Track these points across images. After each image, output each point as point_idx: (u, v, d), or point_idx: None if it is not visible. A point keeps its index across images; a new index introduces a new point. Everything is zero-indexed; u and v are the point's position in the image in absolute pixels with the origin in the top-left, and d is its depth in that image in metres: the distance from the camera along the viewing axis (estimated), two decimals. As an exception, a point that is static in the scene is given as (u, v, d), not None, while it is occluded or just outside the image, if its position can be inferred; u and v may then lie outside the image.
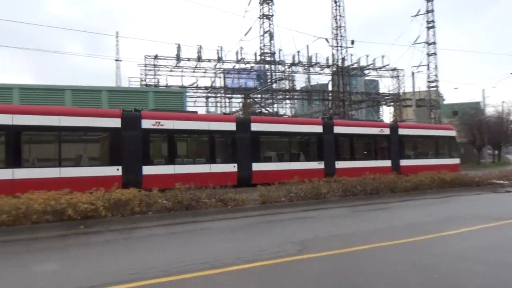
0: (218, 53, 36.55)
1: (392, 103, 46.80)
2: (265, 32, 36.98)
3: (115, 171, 13.62)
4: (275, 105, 40.41)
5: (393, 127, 21.70)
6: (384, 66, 42.32)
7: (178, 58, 35.88)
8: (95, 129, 13.91)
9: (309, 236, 7.58)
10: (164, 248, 7.05)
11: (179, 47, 35.65)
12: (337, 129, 19.24)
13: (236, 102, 42.96)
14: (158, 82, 36.76)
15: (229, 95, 41.45)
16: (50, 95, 20.25)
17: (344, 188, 13.13)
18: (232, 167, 16.06)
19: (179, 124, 15.28)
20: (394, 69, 44.11)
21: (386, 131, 21.09)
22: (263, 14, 36.93)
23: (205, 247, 6.96)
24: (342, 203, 12.37)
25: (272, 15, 37.00)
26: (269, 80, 38.16)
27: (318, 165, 18.21)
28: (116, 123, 13.98)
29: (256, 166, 16.59)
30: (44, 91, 20.71)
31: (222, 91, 40.44)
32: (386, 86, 67.66)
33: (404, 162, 21.03)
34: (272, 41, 37.18)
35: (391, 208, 12.14)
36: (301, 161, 18.21)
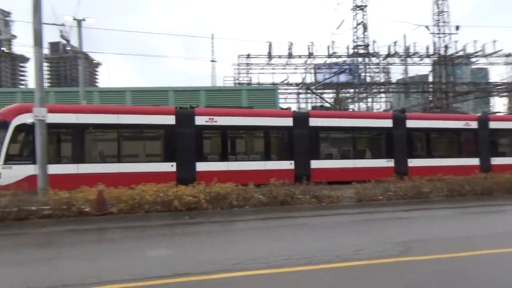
0: (308, 48, 36.35)
1: (506, 93, 41.59)
2: (358, 24, 35.72)
3: (169, 167, 14.06)
4: (369, 99, 38.81)
5: (482, 119, 18.96)
6: (496, 52, 37.73)
7: (269, 56, 36.52)
8: (151, 126, 14.45)
9: (412, 237, 7.14)
10: (262, 241, 7.24)
11: (270, 45, 36.30)
12: (410, 123, 17.46)
13: (328, 98, 42.23)
14: (251, 80, 37.91)
15: (320, 91, 40.91)
16: (156, 96, 22.22)
17: (450, 187, 12.08)
18: (288, 165, 15.43)
19: (232, 120, 15.22)
20: (509, 55, 39.10)
21: (473, 124, 18.53)
22: (356, 6, 35.71)
23: (301, 242, 6.99)
24: (447, 204, 11.42)
25: (366, 6, 35.58)
26: (361, 74, 36.73)
27: (387, 163, 16.73)
28: (170, 120, 14.42)
29: (315, 164, 15.71)
30: (150, 93, 22.81)
31: (313, 87, 40.09)
32: (498, 74, 60.15)
33: (496, 161, 18.26)
34: (365, 33, 35.81)
35: (507, 211, 10.84)
36: (367, 159, 16.94)
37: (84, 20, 21.27)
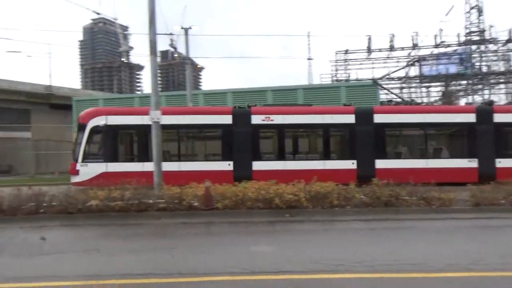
0: (412, 39, 33.94)
1: None
2: (471, 8, 32.13)
3: (226, 166, 14.27)
4: (485, 91, 34.69)
5: None
6: None
7: (369, 50, 35.08)
8: (210, 126, 14.92)
9: (544, 249, 6.22)
10: (365, 243, 7.00)
11: (369, 39, 34.86)
12: (499, 117, 14.83)
13: (435, 91, 38.94)
14: (349, 76, 36.83)
15: (426, 84, 37.90)
16: (254, 96, 22.92)
17: None
18: (350, 164, 14.46)
19: (289, 118, 14.80)
20: None
21: None
22: (468, -12, 32.17)
23: (408, 247, 6.59)
24: None
25: (482, -14, 31.81)
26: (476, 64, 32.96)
27: (469, 163, 14.52)
28: (227, 119, 14.59)
29: (381, 163, 14.39)
30: (250, 93, 23.60)
31: (417, 80, 37.35)
32: None
33: None
34: (480, 17, 32.04)
35: None
36: (442, 158, 14.97)
37: (190, 28, 22.99)
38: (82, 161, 14.37)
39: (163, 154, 14.68)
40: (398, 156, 15.43)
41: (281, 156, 14.81)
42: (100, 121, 14.50)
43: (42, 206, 9.70)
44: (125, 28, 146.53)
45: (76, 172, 14.31)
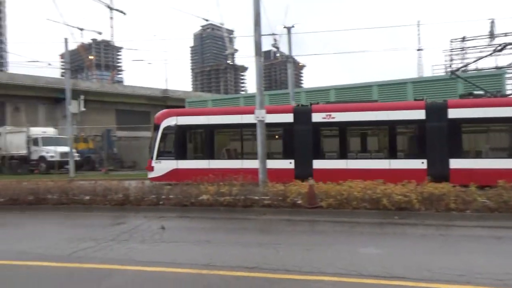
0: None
1: None
2: None
3: (288, 164, 14.33)
4: None
5: None
6: None
7: (491, 35, 31.11)
8: (272, 125, 14.14)
9: None
10: (490, 253, 6.20)
11: (492, 23, 30.88)
12: None
13: None
14: (466, 66, 33.10)
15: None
16: (359, 92, 22.11)
17: None
18: (419, 164, 13.18)
19: (351, 115, 14.17)
20: None
21: None
22: None
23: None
24: None
25: None
26: None
27: None
28: (289, 118, 14.63)
29: (456, 163, 12.94)
30: (354, 89, 22.83)
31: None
32: None
33: None
34: None
35: None
36: None
37: (293, 27, 23.13)
38: (156, 159, 15.52)
39: (228, 152, 15.79)
40: (479, 155, 13.66)
41: (342, 155, 14.29)
42: (171, 121, 15.58)
43: (161, 199, 10.75)
44: (230, 32, 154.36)
45: (152, 169, 15.50)
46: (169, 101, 45.91)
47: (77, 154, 25.16)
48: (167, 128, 15.65)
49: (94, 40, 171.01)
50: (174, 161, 15.34)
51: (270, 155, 14.96)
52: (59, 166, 23.94)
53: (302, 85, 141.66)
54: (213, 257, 5.94)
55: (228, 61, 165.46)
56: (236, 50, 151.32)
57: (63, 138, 25.84)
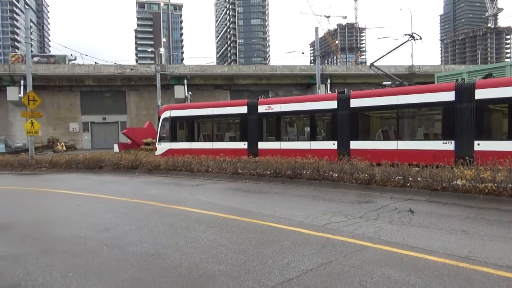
0: None
1: None
2: None
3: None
4: None
5: None
6: None
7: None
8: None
9: None
10: None
11: None
12: None
13: None
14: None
15: None
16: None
17: None
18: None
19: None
20: None
21: None
22: None
23: None
24: None
25: None
26: None
27: None
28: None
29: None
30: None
31: None
32: None
33: None
34: None
35: None
36: None
37: None
38: (158, 141, 21.55)
39: (204, 136, 20.53)
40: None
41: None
42: (167, 114, 21.18)
43: (408, 180, 10.33)
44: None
45: (156, 149, 21.72)
46: (415, 78, 43.19)
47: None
48: (165, 119, 21.31)
49: (339, 25, 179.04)
50: (169, 143, 21.05)
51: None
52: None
53: None
54: (472, 250, 5.27)
55: (488, 25, 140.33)
56: (499, 10, 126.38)
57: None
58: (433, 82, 25.58)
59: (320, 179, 12.14)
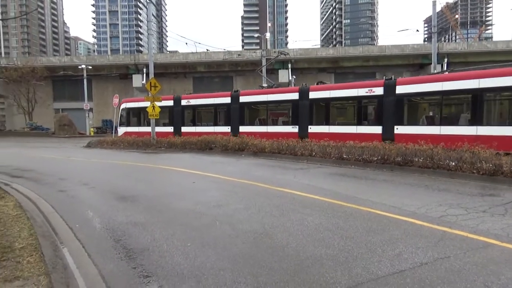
0: None
1: None
2: None
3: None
4: None
5: None
6: None
7: None
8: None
9: None
10: None
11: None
12: None
13: None
14: None
15: None
16: None
17: None
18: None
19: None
20: None
21: None
22: None
23: None
24: None
25: None
26: None
27: None
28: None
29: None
30: None
31: None
32: None
33: None
34: None
35: None
36: None
37: None
38: (119, 126, 29.70)
39: (146, 121, 26.76)
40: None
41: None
42: (124, 105, 29.01)
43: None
44: None
45: (116, 131, 29.72)
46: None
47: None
48: (123, 109, 29.18)
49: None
50: (125, 128, 28.95)
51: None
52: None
53: None
54: None
55: None
56: None
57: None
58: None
59: (434, 168, 11.20)
